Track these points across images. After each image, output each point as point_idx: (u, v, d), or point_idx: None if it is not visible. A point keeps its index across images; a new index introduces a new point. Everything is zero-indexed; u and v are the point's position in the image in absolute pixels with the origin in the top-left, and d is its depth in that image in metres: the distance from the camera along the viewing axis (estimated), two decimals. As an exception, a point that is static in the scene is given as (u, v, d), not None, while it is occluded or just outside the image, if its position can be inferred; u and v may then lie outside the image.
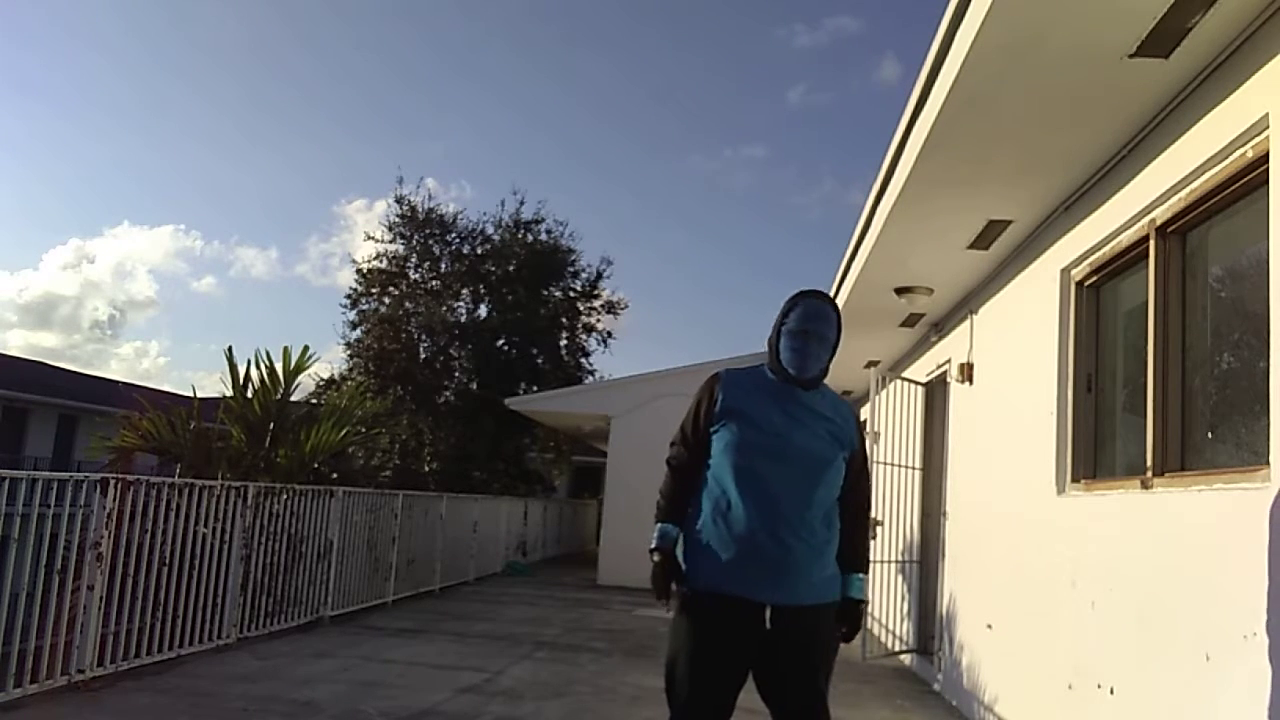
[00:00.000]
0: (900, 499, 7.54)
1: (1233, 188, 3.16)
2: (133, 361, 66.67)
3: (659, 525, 2.86)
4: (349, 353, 21.88)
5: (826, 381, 2.93)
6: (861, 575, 2.89)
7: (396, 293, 22.35)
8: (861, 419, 3.06)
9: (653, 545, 2.84)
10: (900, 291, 6.50)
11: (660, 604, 2.83)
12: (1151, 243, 3.71)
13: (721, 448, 2.78)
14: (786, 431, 2.76)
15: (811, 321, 2.82)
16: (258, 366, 8.55)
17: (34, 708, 4.83)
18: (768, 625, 2.67)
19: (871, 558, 7.98)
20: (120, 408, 9.75)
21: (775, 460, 2.73)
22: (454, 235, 22.63)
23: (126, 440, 8.33)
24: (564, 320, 23.05)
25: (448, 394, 21.83)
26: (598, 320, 23.45)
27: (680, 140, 53.35)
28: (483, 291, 22.64)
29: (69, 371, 33.73)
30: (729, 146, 55.98)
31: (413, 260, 22.60)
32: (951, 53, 3.33)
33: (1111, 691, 3.65)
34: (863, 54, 55.22)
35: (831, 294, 7.59)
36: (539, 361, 22.40)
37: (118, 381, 32.32)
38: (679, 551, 2.82)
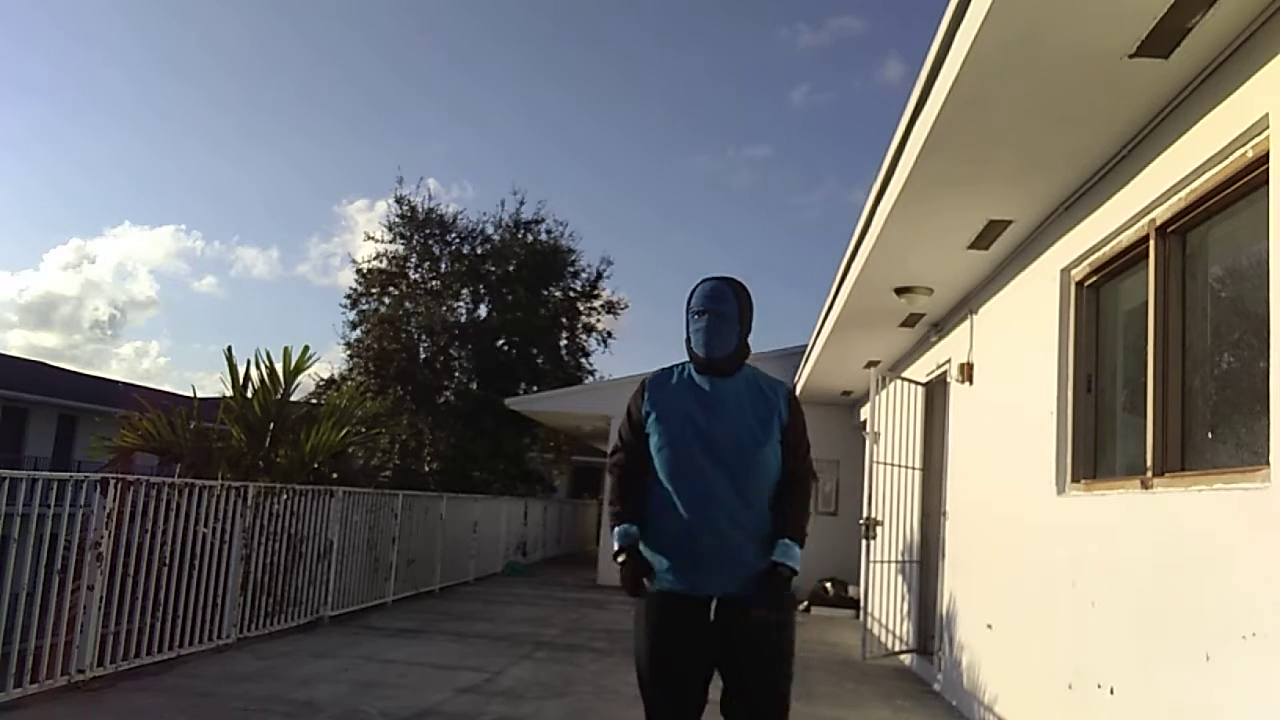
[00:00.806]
0: (900, 499, 7.54)
1: (1233, 188, 3.16)
2: (133, 361, 66.73)
3: (617, 528, 2.90)
4: (349, 353, 21.93)
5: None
6: (789, 540, 2.74)
7: (396, 293, 22.37)
8: (795, 390, 3.05)
9: (615, 550, 2.89)
10: (900, 291, 6.50)
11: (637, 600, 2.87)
12: (1151, 243, 3.71)
13: (655, 449, 2.82)
14: (709, 423, 2.79)
15: (707, 301, 2.87)
16: (258, 366, 8.57)
17: (34, 708, 4.83)
18: (712, 618, 2.69)
19: (872, 558, 7.94)
20: (120, 408, 9.76)
21: (703, 453, 2.76)
22: (454, 235, 22.66)
23: (126, 440, 8.33)
24: (564, 320, 23.07)
25: (448, 394, 21.84)
26: (597, 320, 23.50)
27: (682, 140, 53.39)
28: (483, 291, 22.65)
29: (69, 371, 33.73)
30: (732, 146, 55.97)
31: (413, 260, 22.63)
32: (952, 52, 3.33)
33: (1111, 691, 3.66)
34: (866, 54, 55.21)
35: (832, 294, 7.63)
36: (539, 361, 22.42)
37: (118, 381, 32.37)
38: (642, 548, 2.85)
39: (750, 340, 2.94)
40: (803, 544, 2.79)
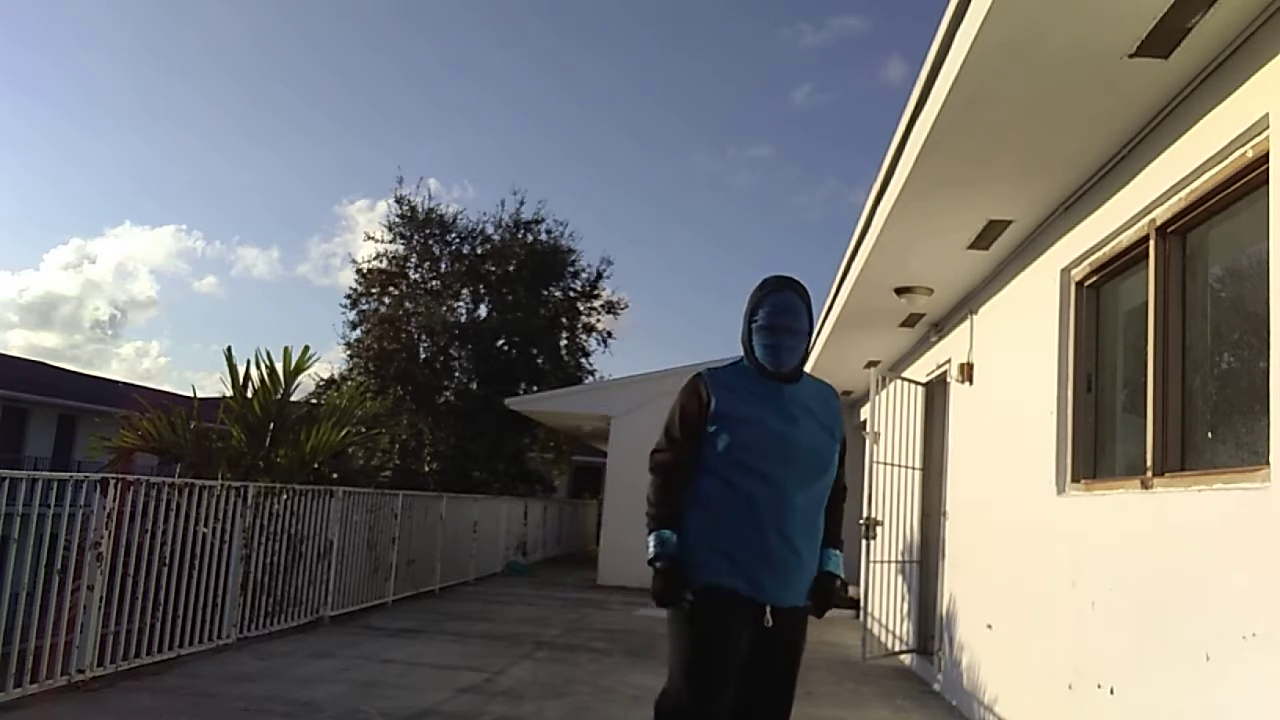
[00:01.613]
0: (900, 499, 7.54)
1: (1233, 188, 3.16)
2: (133, 361, 66.78)
3: (656, 533, 2.76)
4: (349, 353, 21.92)
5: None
6: (837, 551, 2.91)
7: (396, 293, 22.36)
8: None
9: (653, 555, 2.74)
10: (900, 291, 6.50)
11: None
12: (1151, 243, 3.71)
13: (722, 451, 2.72)
14: (786, 431, 2.74)
15: (781, 316, 2.78)
16: (258, 366, 8.55)
17: (34, 708, 4.83)
18: (767, 623, 2.66)
19: (872, 558, 7.95)
20: (120, 408, 9.75)
21: (779, 461, 2.71)
22: (454, 235, 22.65)
23: (126, 440, 8.33)
24: (564, 320, 23.06)
25: (448, 394, 21.84)
26: (598, 320, 23.49)
27: (683, 140, 53.46)
28: (483, 291, 22.64)
29: (69, 371, 33.73)
30: (733, 146, 56.04)
31: (413, 260, 22.63)
32: (952, 52, 3.33)
33: (1111, 691, 3.65)
34: (868, 54, 55.31)
35: (832, 294, 7.62)
36: (539, 361, 22.40)
37: (118, 381, 32.36)
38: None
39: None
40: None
